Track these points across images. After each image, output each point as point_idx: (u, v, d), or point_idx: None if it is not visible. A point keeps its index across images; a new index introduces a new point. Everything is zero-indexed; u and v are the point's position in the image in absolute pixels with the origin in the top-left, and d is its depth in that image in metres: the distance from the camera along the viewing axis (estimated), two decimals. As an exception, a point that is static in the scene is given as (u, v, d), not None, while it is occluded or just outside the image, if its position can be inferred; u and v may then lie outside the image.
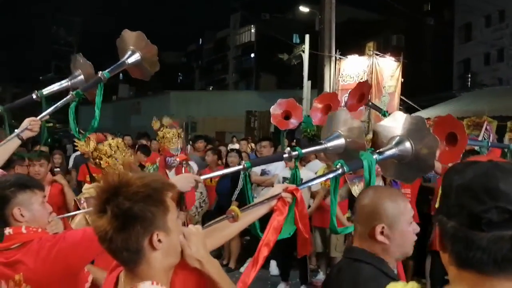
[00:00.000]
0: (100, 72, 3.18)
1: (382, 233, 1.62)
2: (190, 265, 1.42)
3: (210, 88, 43.79)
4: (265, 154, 6.80)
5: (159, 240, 1.30)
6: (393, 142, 2.32)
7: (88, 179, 7.13)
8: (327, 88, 12.86)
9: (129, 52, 3.28)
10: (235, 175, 6.67)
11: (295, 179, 2.62)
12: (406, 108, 14.05)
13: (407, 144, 2.28)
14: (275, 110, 5.79)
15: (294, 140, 9.85)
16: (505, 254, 0.99)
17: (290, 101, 5.90)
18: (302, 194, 2.00)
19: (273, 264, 6.34)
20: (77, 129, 3.36)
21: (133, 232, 1.26)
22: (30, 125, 2.84)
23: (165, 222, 1.32)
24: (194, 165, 6.75)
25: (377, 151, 2.30)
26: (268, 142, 6.72)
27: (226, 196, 6.63)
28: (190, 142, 10.20)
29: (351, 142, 2.51)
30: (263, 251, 1.86)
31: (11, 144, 2.75)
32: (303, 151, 2.50)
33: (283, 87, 29.79)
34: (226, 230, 1.82)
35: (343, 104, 11.93)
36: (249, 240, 7.10)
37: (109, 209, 1.25)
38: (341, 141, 2.54)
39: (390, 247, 1.62)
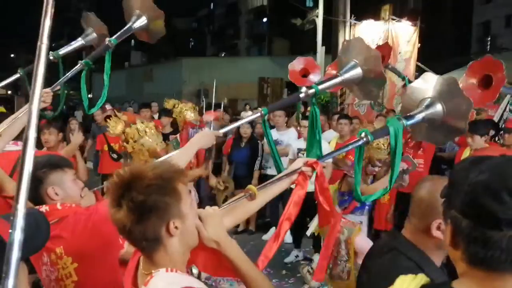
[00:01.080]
0: (107, 39, 3.23)
1: (438, 228, 1.54)
2: (207, 246, 1.47)
3: (222, 55, 43.32)
4: (280, 123, 6.72)
5: (176, 227, 1.35)
6: (424, 105, 2.22)
7: (106, 148, 7.33)
8: (341, 54, 12.58)
9: (135, 16, 3.29)
10: (255, 145, 6.68)
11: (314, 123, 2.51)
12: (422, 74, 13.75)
13: (438, 106, 2.18)
14: (294, 66, 5.68)
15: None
16: None
17: (309, 59, 5.81)
18: (322, 167, 1.97)
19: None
20: (87, 100, 3.44)
21: (149, 223, 1.32)
22: (42, 97, 2.86)
23: (180, 209, 1.37)
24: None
25: (405, 116, 2.21)
26: (282, 111, 6.61)
27: (243, 166, 6.68)
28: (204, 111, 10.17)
29: (368, 71, 2.45)
30: (285, 226, 1.90)
31: (25, 116, 2.78)
32: (320, 87, 2.46)
33: (296, 52, 29.24)
34: (245, 207, 1.87)
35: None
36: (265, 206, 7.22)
37: (124, 204, 1.31)
38: (357, 71, 2.49)
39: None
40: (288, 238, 6.46)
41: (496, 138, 6.16)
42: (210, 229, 1.46)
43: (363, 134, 2.10)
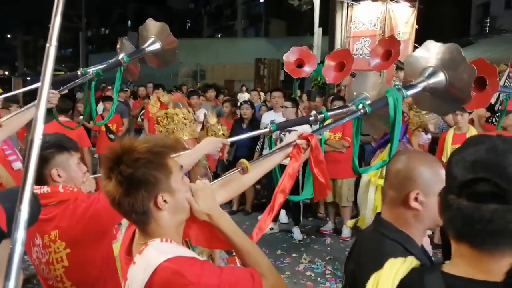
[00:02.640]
0: (121, 56, 3.31)
1: (416, 199, 1.52)
2: (199, 219, 1.48)
3: (219, 35, 42.94)
4: (278, 104, 6.61)
5: (165, 201, 1.38)
6: (425, 74, 2.19)
7: (103, 129, 7.74)
8: (338, 35, 12.46)
9: (151, 40, 3.41)
10: (256, 126, 6.70)
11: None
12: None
13: (441, 75, 2.15)
14: (288, 57, 5.63)
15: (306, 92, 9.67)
16: (502, 228, 0.97)
17: (303, 49, 5.73)
18: (317, 140, 1.96)
19: (282, 212, 6.45)
20: (95, 109, 3.55)
21: (138, 196, 1.34)
22: (49, 98, 2.89)
23: (169, 184, 1.39)
24: (201, 115, 6.77)
25: (405, 86, 2.18)
26: (280, 93, 6.47)
27: (244, 147, 6.74)
28: (200, 91, 10.12)
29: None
30: (279, 198, 1.90)
31: (28, 114, 2.82)
32: (329, 113, 2.46)
33: (293, 33, 29.10)
34: (238, 182, 1.86)
35: (354, 52, 11.60)
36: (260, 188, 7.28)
37: (113, 177, 1.34)
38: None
39: (423, 214, 1.53)
40: (284, 219, 6.53)
41: (493, 120, 6.16)
42: (201, 202, 1.47)
43: (360, 106, 2.10)
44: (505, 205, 0.96)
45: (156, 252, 1.33)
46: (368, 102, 2.35)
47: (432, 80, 2.15)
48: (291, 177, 1.91)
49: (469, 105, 3.90)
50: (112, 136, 7.82)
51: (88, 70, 3.17)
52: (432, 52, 2.21)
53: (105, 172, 1.37)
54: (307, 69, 5.59)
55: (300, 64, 5.62)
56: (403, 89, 2.14)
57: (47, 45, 0.89)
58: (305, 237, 6.11)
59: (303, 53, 5.66)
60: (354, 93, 2.55)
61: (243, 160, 1.78)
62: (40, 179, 2.05)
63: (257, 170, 1.88)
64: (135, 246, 1.47)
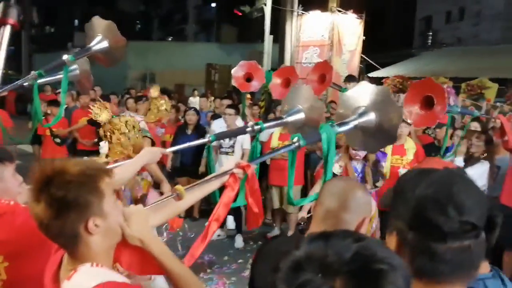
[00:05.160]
0: (65, 55, 3.17)
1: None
2: (132, 244, 1.47)
3: (169, 39, 42.52)
4: (230, 122, 6.58)
5: (96, 225, 1.34)
6: (357, 113, 2.30)
7: (48, 133, 7.58)
8: (288, 44, 12.66)
9: (98, 39, 3.29)
10: (202, 132, 6.70)
11: (254, 151, 2.63)
12: (366, 66, 14.10)
13: (371, 115, 2.27)
14: (237, 72, 5.73)
15: (255, 101, 9.76)
16: (463, 263, 1.02)
17: (251, 63, 5.85)
18: (253, 170, 2.00)
19: (230, 218, 6.48)
20: (42, 113, 3.38)
21: (68, 219, 1.30)
22: None
23: (101, 207, 1.35)
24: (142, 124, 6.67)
25: (338, 123, 2.27)
26: (233, 110, 6.46)
27: (190, 154, 6.73)
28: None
29: (310, 119, 2.54)
30: (213, 226, 1.92)
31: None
32: (265, 125, 2.56)
33: (244, 40, 29.23)
34: (174, 205, 1.85)
35: (303, 61, 11.81)
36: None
37: (43, 199, 1.29)
38: (301, 116, 2.59)
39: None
40: (232, 225, 6.56)
41: (428, 132, 6.45)
42: (133, 227, 1.45)
43: (295, 139, 2.17)
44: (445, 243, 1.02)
45: (87, 277, 1.30)
46: (302, 115, 2.49)
47: (363, 119, 2.27)
48: (226, 205, 1.94)
49: (417, 122, 4.05)
50: (58, 140, 7.63)
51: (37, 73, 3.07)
52: (364, 92, 2.34)
53: (34, 193, 1.32)
54: (255, 84, 5.75)
55: (249, 78, 5.74)
56: (336, 126, 2.25)
57: None
58: (251, 243, 6.17)
59: (251, 67, 5.79)
60: (289, 106, 2.68)
61: (178, 187, 1.79)
62: None
63: (192, 196, 1.90)
64: (63, 271, 1.41)
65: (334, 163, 4.01)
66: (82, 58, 3.49)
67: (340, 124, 2.26)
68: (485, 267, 1.18)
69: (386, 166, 5.02)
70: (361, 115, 2.28)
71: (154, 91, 6.12)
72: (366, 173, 4.46)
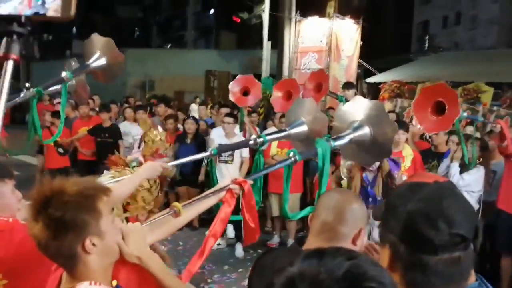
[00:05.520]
0: (64, 72, 3.22)
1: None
2: (130, 261, 1.50)
3: (168, 46, 42.62)
4: (229, 130, 6.59)
5: (93, 244, 1.36)
6: (352, 127, 2.35)
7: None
8: (287, 50, 12.74)
9: (96, 56, 3.34)
10: (201, 141, 6.75)
11: (258, 164, 2.65)
12: (364, 71, 14.15)
13: (366, 129, 2.32)
14: (234, 87, 5.80)
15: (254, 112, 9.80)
16: (454, 275, 1.06)
17: (248, 77, 5.91)
18: (249, 186, 2.03)
19: (229, 227, 6.49)
20: (40, 128, 3.47)
21: (65, 239, 1.33)
22: None
23: (98, 227, 1.38)
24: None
25: (333, 137, 2.31)
26: (232, 118, 6.39)
27: (187, 164, 6.69)
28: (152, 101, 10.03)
29: (313, 131, 2.57)
30: (210, 242, 1.94)
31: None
32: (268, 137, 2.60)
33: (243, 46, 29.33)
34: (171, 222, 1.86)
35: (302, 67, 11.86)
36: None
37: (41, 219, 1.32)
38: (304, 128, 2.61)
39: None
40: (232, 234, 6.56)
41: (426, 137, 6.48)
42: (131, 245, 1.48)
43: (291, 154, 2.21)
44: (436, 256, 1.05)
45: None
46: (305, 127, 2.51)
47: (358, 133, 2.32)
48: (223, 221, 1.96)
49: (430, 128, 4.02)
50: (61, 150, 7.71)
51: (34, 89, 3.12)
52: (360, 107, 2.40)
53: (32, 214, 1.35)
54: (252, 99, 5.80)
55: (245, 92, 5.80)
56: (331, 140, 2.28)
57: None
58: (251, 251, 6.18)
59: (248, 81, 5.85)
60: (292, 118, 2.70)
61: (176, 204, 1.81)
62: None
63: (190, 212, 1.92)
64: None
65: (343, 168, 4.06)
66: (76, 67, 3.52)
67: (336, 139, 2.31)
68: (472, 277, 1.23)
69: (398, 177, 5.03)
70: (356, 129, 2.33)
71: (144, 125, 6.13)
72: (377, 182, 4.45)
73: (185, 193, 6.84)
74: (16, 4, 0.88)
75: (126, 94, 17.84)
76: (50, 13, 0.91)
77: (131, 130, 7.69)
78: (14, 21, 0.91)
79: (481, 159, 5.13)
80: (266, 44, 13.85)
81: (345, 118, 2.43)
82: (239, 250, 6.18)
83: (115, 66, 3.42)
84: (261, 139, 2.47)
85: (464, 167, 4.99)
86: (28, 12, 0.90)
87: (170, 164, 2.43)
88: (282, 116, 6.50)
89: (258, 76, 8.84)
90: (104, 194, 1.41)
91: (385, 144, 2.30)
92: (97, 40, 3.37)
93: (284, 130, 2.66)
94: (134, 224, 1.56)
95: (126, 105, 9.65)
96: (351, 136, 2.32)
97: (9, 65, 0.91)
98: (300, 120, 2.61)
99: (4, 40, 0.92)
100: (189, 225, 6.92)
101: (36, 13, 0.90)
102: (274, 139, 2.79)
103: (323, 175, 2.27)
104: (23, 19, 0.91)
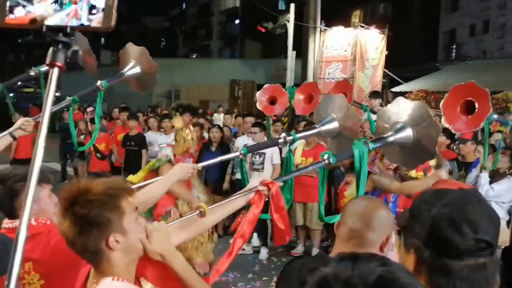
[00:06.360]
0: (99, 81, 3.33)
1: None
2: (153, 258, 1.55)
3: (194, 56, 43.07)
4: (257, 139, 6.61)
5: (117, 241, 1.43)
6: (394, 129, 2.31)
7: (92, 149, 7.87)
8: (311, 59, 12.73)
9: (131, 65, 3.43)
10: (226, 148, 6.81)
11: (289, 162, 2.61)
12: (389, 80, 14.04)
13: (409, 131, 2.27)
14: (261, 96, 5.82)
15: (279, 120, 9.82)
16: (480, 281, 1.06)
17: (276, 86, 5.94)
18: (278, 187, 2.02)
19: (254, 235, 6.51)
20: (76, 138, 3.63)
21: (90, 236, 1.40)
22: (23, 125, 2.97)
23: (121, 224, 1.44)
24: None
25: (372, 139, 2.29)
26: (258, 128, 6.38)
27: (215, 170, 6.81)
28: (174, 111, 10.16)
29: (345, 128, 2.52)
30: (238, 243, 1.95)
31: (2, 141, 2.89)
32: (297, 135, 2.54)
33: (268, 55, 29.47)
34: (198, 222, 1.89)
35: (326, 76, 11.83)
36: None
37: (68, 217, 1.40)
38: (334, 125, 2.55)
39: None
40: (256, 242, 6.57)
41: (453, 147, 6.37)
42: (154, 243, 1.53)
43: (325, 156, 2.17)
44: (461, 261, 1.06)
45: None
46: (335, 124, 2.49)
47: (400, 135, 2.27)
48: (251, 223, 1.97)
49: (458, 127, 3.94)
50: (98, 155, 8.00)
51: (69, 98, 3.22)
52: (402, 108, 2.35)
53: (60, 212, 1.43)
54: (279, 108, 5.83)
55: (272, 101, 5.83)
56: (370, 142, 2.24)
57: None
58: (275, 260, 6.18)
59: (275, 91, 5.88)
60: (322, 114, 2.64)
61: (202, 204, 1.83)
62: (11, 213, 2.07)
63: (218, 213, 1.95)
64: (89, 284, 1.50)
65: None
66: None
67: (375, 141, 2.27)
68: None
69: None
70: (398, 130, 2.28)
71: (177, 123, 6.23)
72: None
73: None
74: (63, 16, 0.94)
75: (152, 103, 18.08)
76: (94, 24, 0.97)
77: (156, 139, 7.82)
78: (60, 31, 0.96)
79: (511, 170, 5.03)
80: (291, 54, 13.86)
81: (386, 119, 2.38)
82: (263, 253, 6.20)
83: (149, 75, 3.51)
84: (290, 137, 2.43)
85: (494, 177, 4.91)
86: (74, 23, 0.95)
87: (200, 165, 2.43)
88: (306, 124, 6.51)
89: (282, 85, 8.87)
90: (128, 193, 1.48)
91: (428, 146, 2.24)
92: (132, 49, 3.45)
93: (314, 127, 2.61)
94: (157, 223, 1.61)
95: (151, 115, 9.79)
96: (392, 138, 2.26)
97: (55, 73, 0.96)
98: (330, 117, 2.56)
99: (51, 49, 0.98)
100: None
101: (81, 24, 0.96)
102: (304, 136, 2.72)
103: (360, 178, 2.23)
104: (68, 30, 0.96)
